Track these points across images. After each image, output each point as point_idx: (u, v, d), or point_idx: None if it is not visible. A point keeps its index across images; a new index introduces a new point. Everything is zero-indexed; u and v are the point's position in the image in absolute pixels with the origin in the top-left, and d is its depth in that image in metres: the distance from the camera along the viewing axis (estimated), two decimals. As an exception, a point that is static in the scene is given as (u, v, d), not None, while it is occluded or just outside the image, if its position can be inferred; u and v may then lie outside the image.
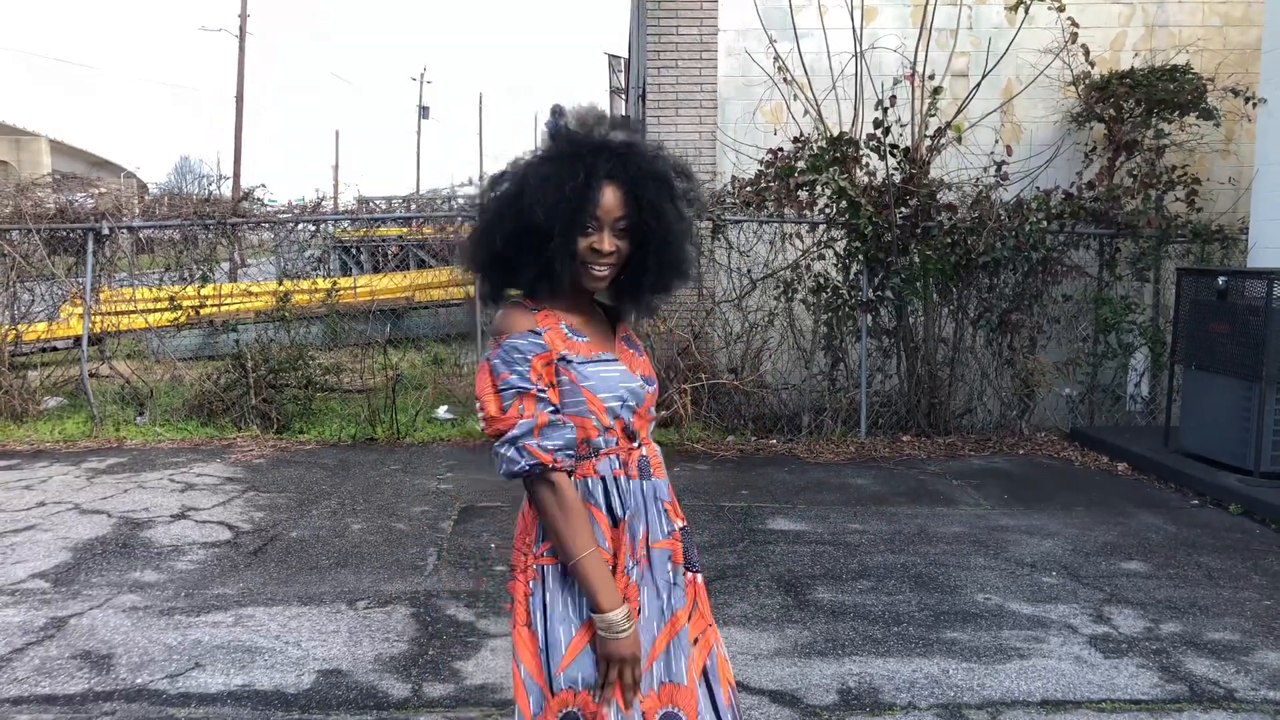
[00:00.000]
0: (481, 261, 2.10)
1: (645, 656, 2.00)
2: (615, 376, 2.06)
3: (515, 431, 1.96)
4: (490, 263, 2.09)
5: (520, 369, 1.98)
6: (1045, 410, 8.55)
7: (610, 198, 2.01)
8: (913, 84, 8.25)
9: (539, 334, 2.01)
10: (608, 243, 2.02)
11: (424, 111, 57.18)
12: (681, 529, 2.15)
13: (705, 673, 2.09)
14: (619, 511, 2.05)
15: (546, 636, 1.99)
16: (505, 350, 1.99)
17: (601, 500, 2.04)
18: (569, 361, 2.02)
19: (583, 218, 1.99)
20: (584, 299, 2.11)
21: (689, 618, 2.09)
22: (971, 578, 4.96)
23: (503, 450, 1.98)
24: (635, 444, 2.10)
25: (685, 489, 6.36)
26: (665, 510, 2.12)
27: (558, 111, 2.10)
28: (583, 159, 2.00)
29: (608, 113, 2.11)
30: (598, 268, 2.03)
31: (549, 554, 2.02)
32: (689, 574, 2.14)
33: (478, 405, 2.05)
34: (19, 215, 8.65)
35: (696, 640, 2.10)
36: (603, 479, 2.04)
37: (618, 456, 2.07)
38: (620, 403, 2.05)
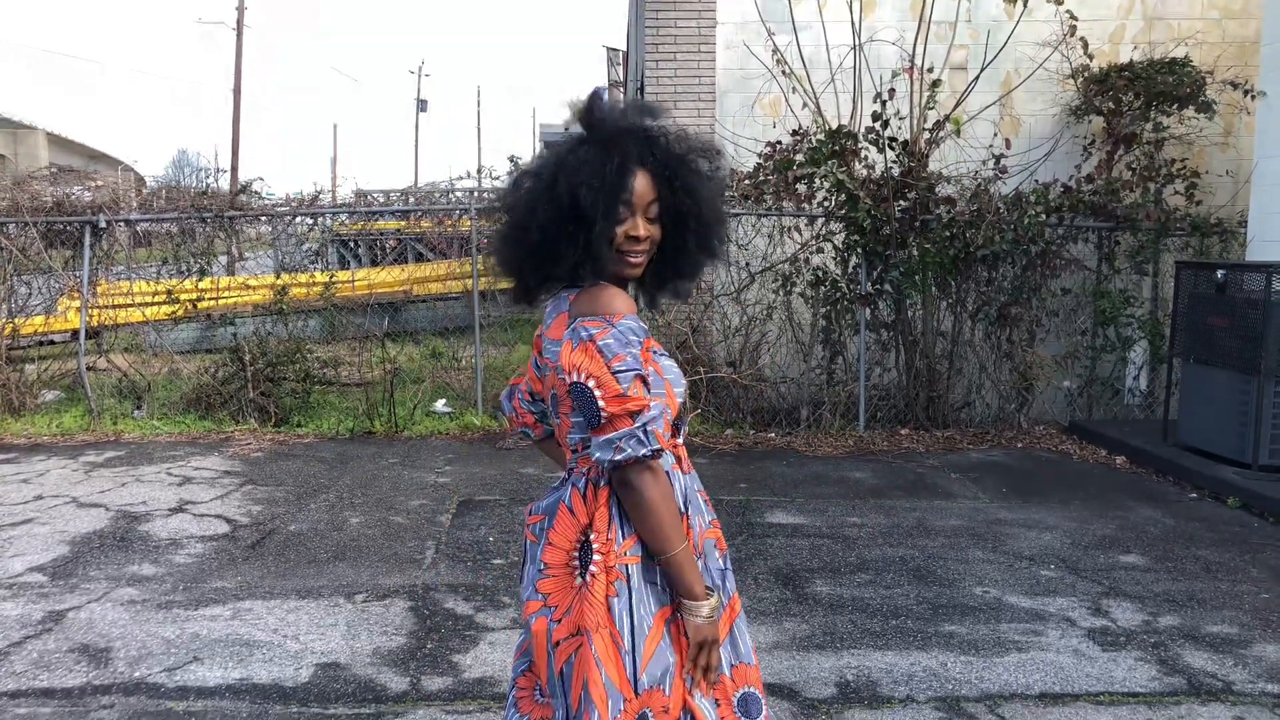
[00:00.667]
0: (516, 259, 2.06)
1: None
2: (678, 370, 2.08)
3: (651, 414, 1.89)
4: (526, 258, 2.04)
5: (634, 351, 1.92)
6: (1044, 403, 8.56)
7: (642, 183, 1.99)
8: (911, 77, 8.23)
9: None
10: (642, 228, 2.00)
11: (422, 105, 57.10)
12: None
13: None
14: (681, 506, 2.03)
15: (633, 638, 1.94)
16: (621, 331, 1.92)
17: None
18: (655, 352, 2.03)
19: (617, 204, 1.96)
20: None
21: None
22: (970, 571, 4.96)
23: (637, 433, 1.87)
24: (680, 439, 2.10)
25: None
26: (704, 500, 2.13)
27: (596, 96, 2.06)
28: (616, 143, 1.98)
29: (636, 99, 2.11)
30: (633, 255, 2.01)
31: (632, 552, 1.97)
32: None
33: (588, 386, 1.90)
34: (16, 208, 8.62)
35: None
36: (666, 474, 1.98)
37: (672, 451, 2.05)
38: (681, 397, 2.06)
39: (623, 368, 1.90)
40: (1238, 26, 9.23)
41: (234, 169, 29.80)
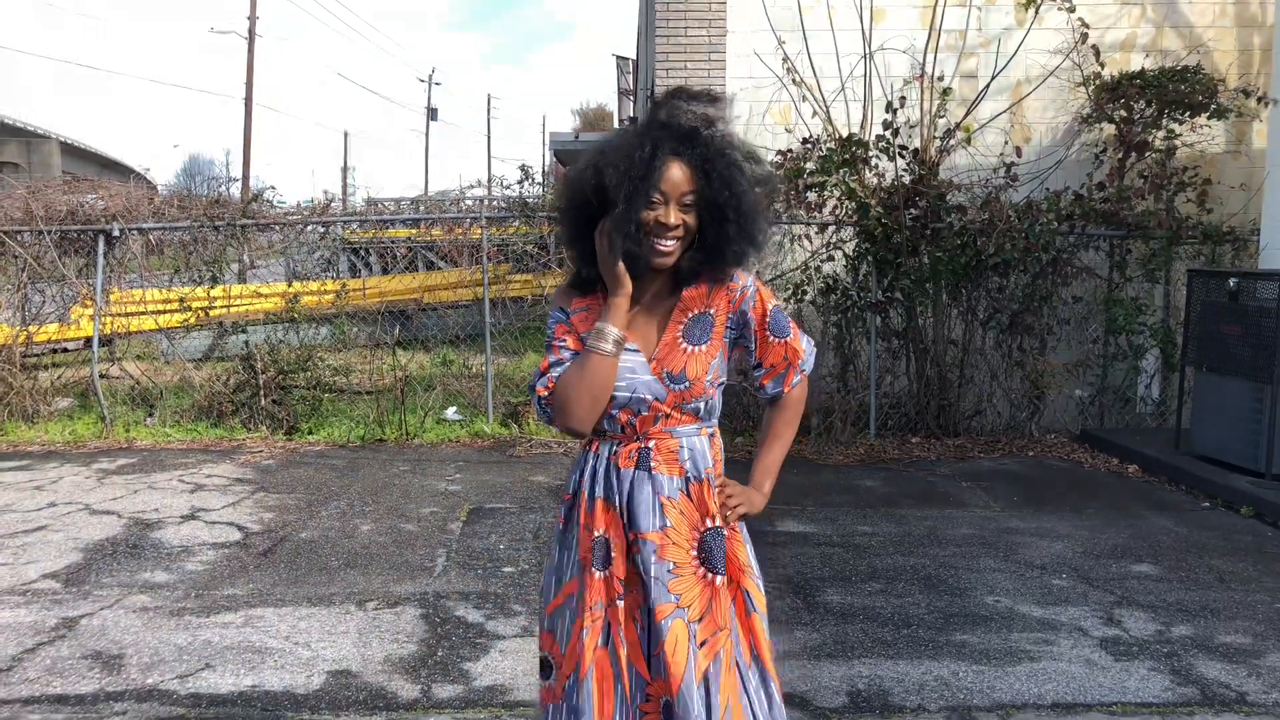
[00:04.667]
0: (566, 241, 2.25)
1: None
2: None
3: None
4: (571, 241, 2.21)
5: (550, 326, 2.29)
6: (1055, 412, 8.53)
7: (677, 172, 2.07)
8: (922, 85, 8.24)
9: None
10: (674, 215, 2.08)
11: (432, 113, 57.34)
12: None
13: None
14: (586, 483, 2.28)
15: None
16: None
17: None
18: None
19: (647, 188, 2.05)
20: (645, 277, 2.17)
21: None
22: (981, 580, 4.94)
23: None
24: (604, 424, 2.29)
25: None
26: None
27: (668, 95, 2.19)
28: (650, 134, 2.09)
29: (705, 93, 2.18)
30: (663, 241, 2.09)
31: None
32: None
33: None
34: (30, 217, 8.68)
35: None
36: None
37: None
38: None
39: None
40: (1250, 34, 9.21)
41: (245, 177, 29.99)
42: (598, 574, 2.15)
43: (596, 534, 2.17)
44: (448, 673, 3.84)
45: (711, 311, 2.19)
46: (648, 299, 2.19)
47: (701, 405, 2.18)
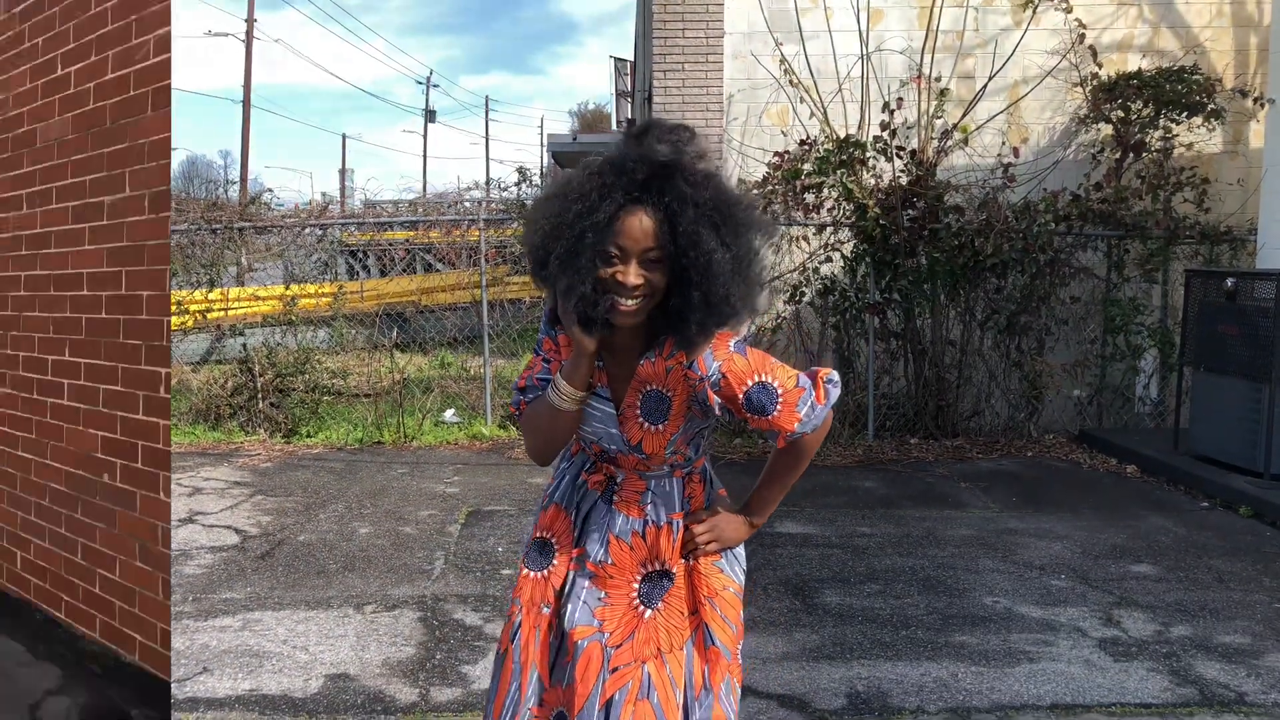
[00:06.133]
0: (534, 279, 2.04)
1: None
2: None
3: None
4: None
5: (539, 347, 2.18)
6: (1053, 412, 8.53)
7: (637, 225, 1.81)
8: (919, 86, 8.24)
9: None
10: (634, 275, 1.82)
11: (430, 115, 57.39)
12: None
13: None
14: (561, 499, 2.23)
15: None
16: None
17: None
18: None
19: (595, 246, 1.81)
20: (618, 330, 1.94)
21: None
22: (980, 581, 4.94)
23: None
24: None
25: (692, 492, 6.34)
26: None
27: (647, 125, 1.87)
28: (601, 179, 1.83)
29: (680, 130, 1.87)
30: (624, 302, 1.84)
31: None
32: None
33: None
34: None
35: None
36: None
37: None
38: None
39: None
40: (1246, 34, 9.22)
41: (243, 180, 30.02)
42: (531, 572, 2.13)
43: (541, 535, 2.16)
44: (446, 676, 3.84)
45: (670, 395, 1.97)
46: (622, 342, 1.98)
47: (667, 466, 2.08)
